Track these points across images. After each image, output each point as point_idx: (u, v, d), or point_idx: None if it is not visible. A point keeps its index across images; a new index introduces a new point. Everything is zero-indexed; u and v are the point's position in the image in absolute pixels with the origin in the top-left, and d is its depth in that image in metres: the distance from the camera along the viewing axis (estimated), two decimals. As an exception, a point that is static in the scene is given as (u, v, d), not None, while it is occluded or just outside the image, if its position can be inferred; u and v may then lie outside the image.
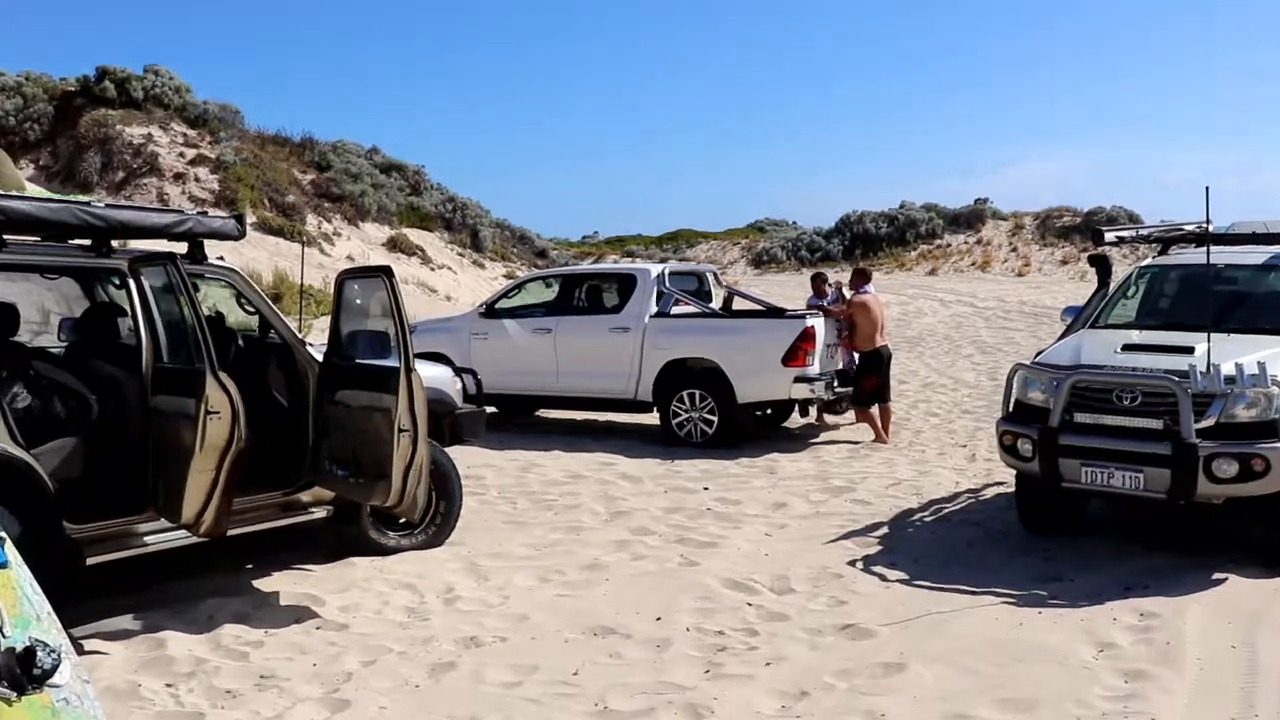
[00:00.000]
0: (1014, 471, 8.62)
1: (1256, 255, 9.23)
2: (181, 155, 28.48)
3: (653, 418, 13.43)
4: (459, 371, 9.19)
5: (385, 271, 6.93)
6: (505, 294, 14.33)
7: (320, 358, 7.64)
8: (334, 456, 7.28)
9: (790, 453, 12.27)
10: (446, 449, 8.50)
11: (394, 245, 29.95)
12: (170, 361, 6.71)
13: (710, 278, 14.51)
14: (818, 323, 12.37)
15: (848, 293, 13.40)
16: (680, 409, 12.67)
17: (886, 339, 13.39)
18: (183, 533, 6.70)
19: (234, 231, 7.14)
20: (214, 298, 9.95)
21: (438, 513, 8.25)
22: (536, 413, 15.03)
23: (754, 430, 13.12)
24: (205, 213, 7.16)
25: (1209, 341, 7.73)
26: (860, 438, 13.09)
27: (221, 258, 7.63)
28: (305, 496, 7.63)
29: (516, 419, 14.56)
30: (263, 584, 7.40)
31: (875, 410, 13.03)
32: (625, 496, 10.11)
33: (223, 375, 6.38)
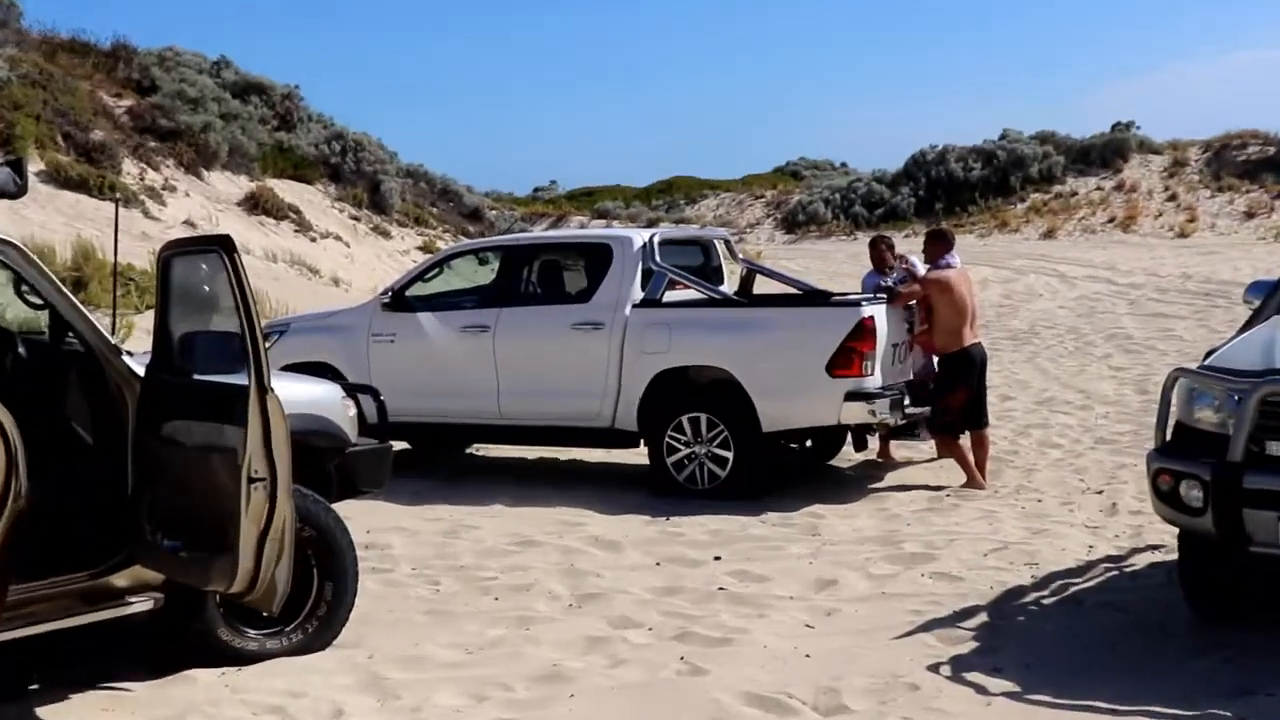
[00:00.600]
0: (1176, 530, 8.55)
1: None
2: (-68, 72, 28.33)
3: (638, 455, 13.37)
4: (352, 391, 9.10)
5: (222, 243, 6.84)
6: (420, 275, 14.27)
7: (143, 371, 7.54)
8: (162, 519, 7.19)
9: (841, 504, 12.24)
10: (334, 505, 8.40)
11: (255, 204, 29.93)
12: (-86, 380, 6.59)
13: (720, 248, 14.46)
14: (878, 312, 12.32)
15: (920, 267, 13.34)
16: (678, 441, 12.61)
17: (979, 334, 13.35)
18: (-68, 637, 6.57)
19: (9, 185, 7.05)
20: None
21: (320, 600, 8.14)
22: (469, 449, 14.97)
23: (787, 472, 13.11)
24: (-36, 158, 7.06)
25: None
26: (945, 480, 13.07)
27: (-9, 225, 7.53)
28: (121, 580, 7.52)
29: (439, 459, 14.48)
30: (53, 712, 7.26)
31: (965, 440, 12.99)
32: (599, 571, 10.04)
33: (-9, 399, 6.26)
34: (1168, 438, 8.41)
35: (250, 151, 32.43)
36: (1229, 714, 7.04)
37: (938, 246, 13.21)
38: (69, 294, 7.87)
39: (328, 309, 16.26)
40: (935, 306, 12.85)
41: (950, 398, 12.84)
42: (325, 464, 8.41)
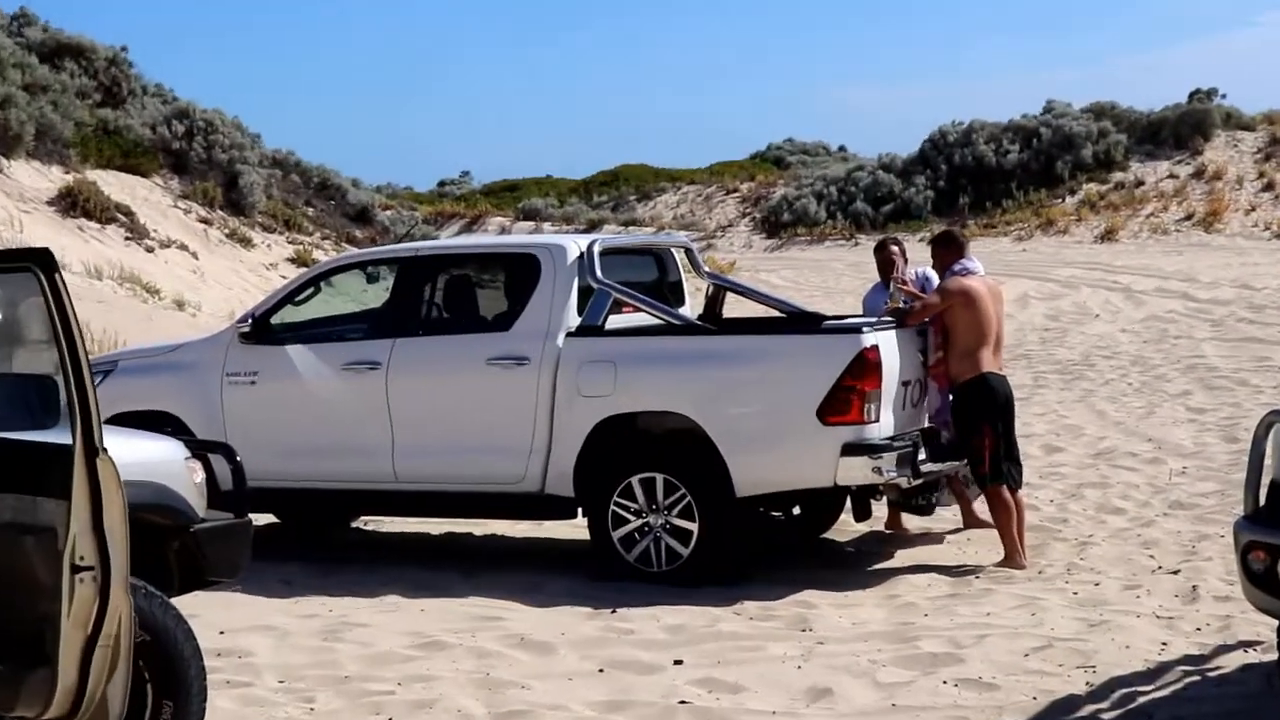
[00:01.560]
0: (1274, 621, 8.62)
1: None
2: None
3: (576, 527, 13.41)
4: (200, 449, 9.07)
5: (37, 259, 6.81)
6: (291, 297, 14.24)
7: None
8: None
9: (839, 590, 12.28)
10: (175, 599, 8.36)
11: (72, 203, 29.82)
12: None
13: (680, 258, 14.50)
14: (885, 339, 12.38)
15: (935, 279, 13.37)
16: (628, 510, 12.62)
17: (1002, 363, 13.37)
18: None
19: None
20: None
21: (156, 726, 8.11)
22: (356, 523, 15.02)
23: (770, 548, 13.16)
24: None
25: None
26: (974, 558, 13.16)
27: None
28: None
29: (317, 536, 14.50)
30: None
31: (980, 503, 13.11)
32: (524, 682, 10.06)
33: None
34: (1261, 501, 8.44)
35: (65, 134, 32.28)
36: None
37: (948, 252, 13.26)
38: None
39: (169, 341, 16.16)
40: (953, 324, 12.86)
41: (977, 442, 12.82)
42: (164, 546, 8.34)
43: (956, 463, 13.00)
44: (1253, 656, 10.02)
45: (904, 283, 13.56)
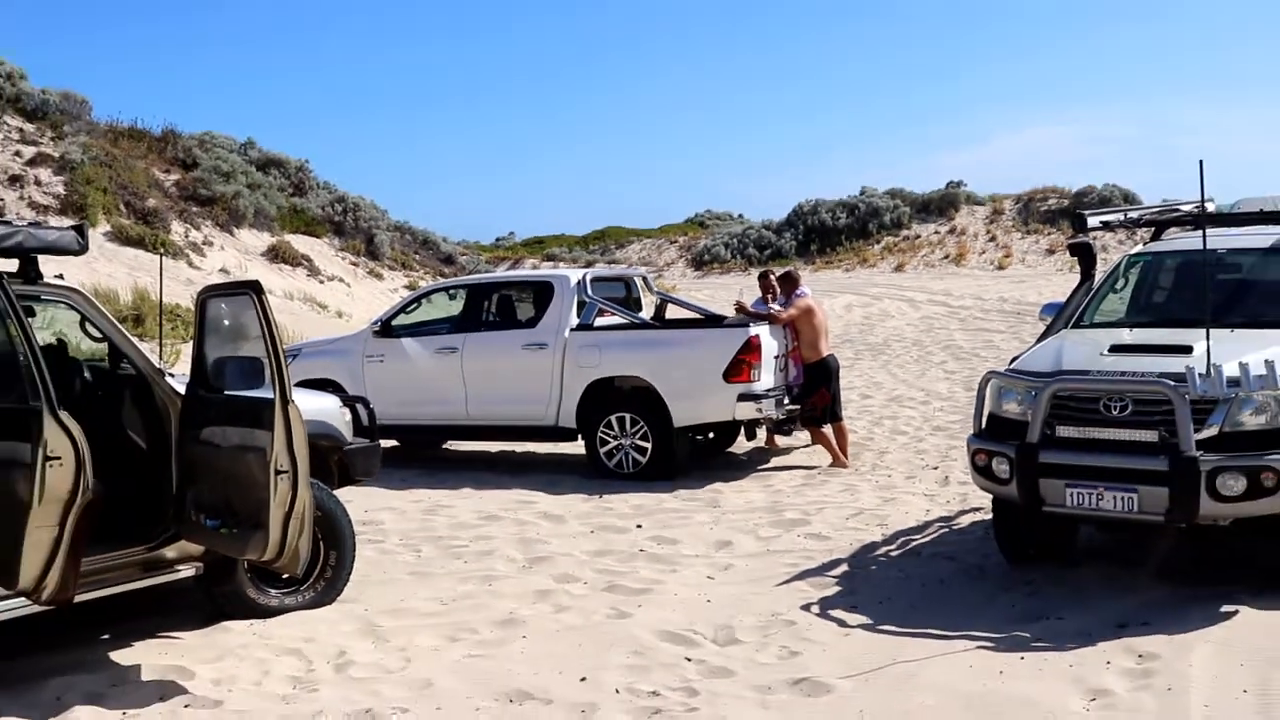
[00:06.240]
0: (990, 496, 8.68)
1: (1263, 237, 9.18)
2: (18, 154, 27.95)
3: (577, 447, 13.41)
4: (349, 400, 9.12)
5: (252, 287, 6.89)
6: (403, 308, 14.24)
7: (183, 390, 7.54)
8: (202, 504, 7.20)
9: (736, 482, 12.33)
10: (336, 491, 8.42)
11: (276, 254, 29.72)
12: (-1, 400, 6.56)
13: (639, 283, 14.53)
14: (763, 331, 12.42)
15: (774, 306, 13.46)
16: (608, 436, 12.66)
17: (829, 344, 13.54)
18: (21, 601, 6.53)
19: (73, 245, 6.99)
20: (60, 322, 9.80)
21: (327, 565, 8.17)
22: (444, 446, 15.00)
23: (694, 458, 13.17)
24: (40, 224, 7.03)
25: (1209, 339, 7.70)
26: (816, 462, 13.16)
27: (61, 275, 7.49)
28: (170, 552, 7.52)
29: (420, 454, 14.48)
30: (121, 656, 7.25)
31: (829, 430, 13.12)
32: (546, 539, 10.09)
33: (64, 415, 6.27)
34: (984, 425, 8.51)
35: (271, 213, 32.15)
36: (1028, 634, 7.21)
37: (791, 284, 13.46)
38: (123, 329, 7.86)
39: (331, 336, 16.17)
40: (799, 327, 13.00)
41: (816, 398, 12.98)
42: (328, 459, 8.45)
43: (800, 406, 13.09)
44: (978, 517, 10.11)
45: (743, 307, 13.48)
